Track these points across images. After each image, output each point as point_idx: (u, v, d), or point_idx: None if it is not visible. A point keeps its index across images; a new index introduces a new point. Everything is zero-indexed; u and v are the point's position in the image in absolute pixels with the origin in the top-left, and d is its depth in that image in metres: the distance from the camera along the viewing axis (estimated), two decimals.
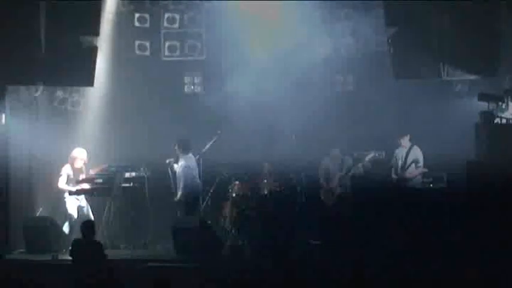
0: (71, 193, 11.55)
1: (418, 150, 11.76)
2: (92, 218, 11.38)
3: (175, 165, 11.87)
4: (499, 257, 9.11)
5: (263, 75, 12.88)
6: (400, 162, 11.80)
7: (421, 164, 11.69)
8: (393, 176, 11.89)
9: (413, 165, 11.68)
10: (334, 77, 13.38)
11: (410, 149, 11.76)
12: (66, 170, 11.64)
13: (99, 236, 11.15)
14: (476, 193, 9.86)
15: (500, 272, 8.49)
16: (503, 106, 10.94)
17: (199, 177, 11.94)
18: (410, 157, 11.70)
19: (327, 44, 12.92)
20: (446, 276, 8.52)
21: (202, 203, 12.27)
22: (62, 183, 11.59)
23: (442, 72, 9.43)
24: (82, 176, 11.71)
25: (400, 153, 11.86)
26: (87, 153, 11.78)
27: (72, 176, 11.64)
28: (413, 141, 11.83)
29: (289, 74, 12.89)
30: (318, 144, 12.52)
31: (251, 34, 12.70)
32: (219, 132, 12.32)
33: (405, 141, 11.82)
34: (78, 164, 11.68)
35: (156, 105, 13.36)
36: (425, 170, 11.76)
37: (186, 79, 13.66)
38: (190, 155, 11.85)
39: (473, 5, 9.30)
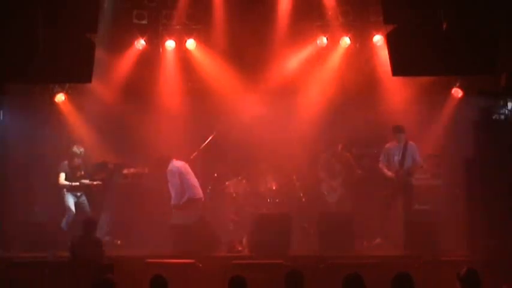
0: (69, 189, 11.56)
1: (414, 146, 11.65)
2: (90, 214, 11.40)
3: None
4: None
5: None
6: (396, 158, 11.64)
7: (418, 159, 11.63)
8: (387, 171, 11.70)
9: (410, 160, 11.61)
10: None
11: (406, 144, 11.61)
12: (64, 167, 11.64)
13: (97, 232, 11.16)
14: None
15: None
16: (501, 103, 10.98)
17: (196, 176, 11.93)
18: (409, 153, 11.61)
19: None
20: None
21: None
22: (61, 180, 11.59)
23: (441, 70, 9.44)
24: (80, 173, 11.72)
25: (395, 148, 11.68)
26: (84, 149, 11.79)
27: (69, 173, 11.65)
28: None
29: None
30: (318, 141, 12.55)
31: None
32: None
33: (401, 137, 11.63)
34: (76, 161, 11.68)
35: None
36: (423, 165, 11.75)
37: None
38: (173, 162, 11.75)
39: (471, 3, 9.31)
